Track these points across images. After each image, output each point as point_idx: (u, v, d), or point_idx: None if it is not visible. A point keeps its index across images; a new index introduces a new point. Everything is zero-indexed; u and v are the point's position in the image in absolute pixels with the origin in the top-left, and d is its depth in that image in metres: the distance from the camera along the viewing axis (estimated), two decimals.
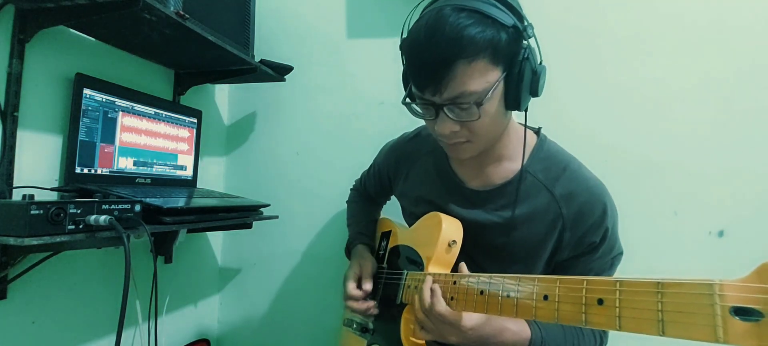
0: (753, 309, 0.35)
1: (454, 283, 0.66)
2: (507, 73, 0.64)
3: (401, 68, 0.73)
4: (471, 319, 0.65)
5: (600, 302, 0.46)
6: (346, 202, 1.14)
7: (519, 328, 0.68)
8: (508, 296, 0.57)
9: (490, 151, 0.75)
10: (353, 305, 0.86)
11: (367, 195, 1.10)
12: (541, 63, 0.66)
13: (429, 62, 0.61)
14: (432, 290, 0.67)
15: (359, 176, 1.12)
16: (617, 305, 0.44)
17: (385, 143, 1.02)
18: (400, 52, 0.70)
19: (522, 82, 0.64)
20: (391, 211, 1.06)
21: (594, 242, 0.71)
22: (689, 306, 0.39)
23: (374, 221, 1.07)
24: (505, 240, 0.75)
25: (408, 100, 0.70)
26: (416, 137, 0.94)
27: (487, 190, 0.78)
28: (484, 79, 0.62)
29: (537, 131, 0.80)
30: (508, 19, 0.61)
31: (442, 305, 0.65)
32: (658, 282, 0.42)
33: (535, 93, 0.67)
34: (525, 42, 0.64)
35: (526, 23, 0.64)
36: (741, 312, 0.36)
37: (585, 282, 0.48)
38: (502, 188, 0.76)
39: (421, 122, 0.93)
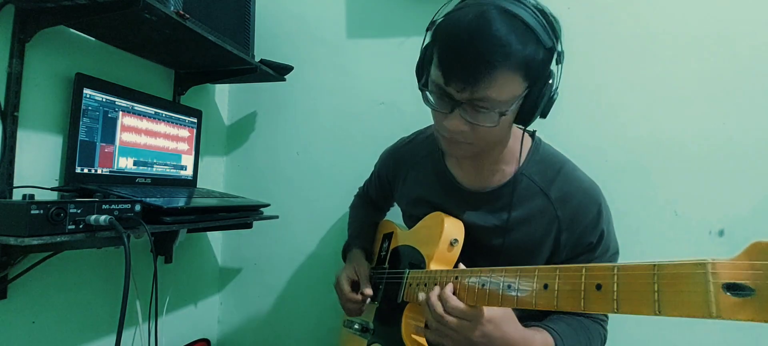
0: (744, 285, 0.37)
1: (456, 278, 0.66)
2: (529, 91, 0.63)
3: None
4: (489, 310, 0.62)
5: (598, 287, 0.47)
6: (349, 206, 1.14)
7: (543, 339, 0.68)
8: (508, 288, 0.57)
9: (488, 153, 0.75)
10: (353, 308, 0.87)
11: (369, 200, 1.10)
12: (556, 89, 0.65)
13: (469, 58, 0.59)
14: (442, 294, 0.64)
15: (364, 182, 1.13)
16: (615, 289, 0.46)
17: (384, 147, 1.02)
18: (427, 33, 0.67)
19: (539, 103, 0.64)
20: (396, 216, 1.06)
21: (591, 242, 0.72)
22: (684, 285, 0.40)
23: (374, 225, 1.07)
24: (502, 242, 0.76)
25: (423, 87, 0.68)
26: (414, 141, 0.94)
27: (484, 192, 0.78)
28: (511, 91, 0.61)
29: (532, 134, 0.80)
30: (548, 40, 0.61)
31: (454, 301, 0.62)
32: (654, 264, 0.43)
33: (544, 115, 0.67)
34: (554, 67, 0.64)
35: (561, 49, 0.64)
36: (733, 288, 0.38)
37: (584, 269, 0.49)
38: (499, 191, 0.77)
39: (421, 126, 0.95)
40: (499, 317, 0.63)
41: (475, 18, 0.59)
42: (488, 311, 0.62)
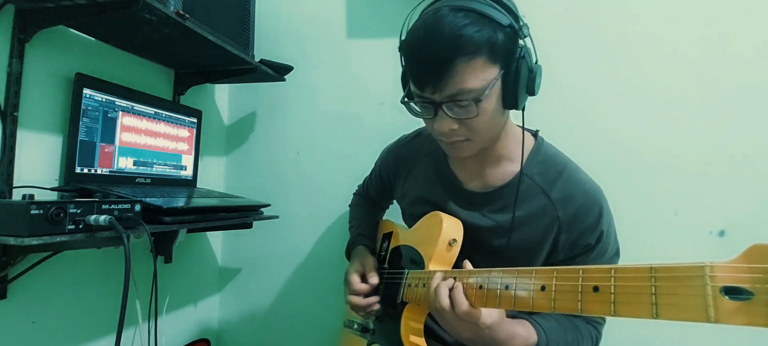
0: (742, 288, 0.36)
1: (455, 279, 0.66)
2: (504, 72, 0.65)
3: (400, 69, 0.73)
4: (489, 316, 0.62)
5: (595, 289, 0.47)
6: (349, 205, 1.14)
7: (527, 333, 0.68)
8: (506, 289, 0.57)
9: (489, 152, 0.76)
10: (357, 301, 0.85)
11: (369, 198, 1.10)
12: (536, 62, 0.68)
13: (428, 60, 0.62)
14: (453, 292, 0.64)
15: (362, 181, 1.12)
16: (612, 291, 0.45)
17: (384, 146, 1.02)
18: (399, 53, 0.71)
19: (519, 80, 0.65)
20: (395, 214, 1.06)
21: (589, 243, 0.72)
22: (681, 288, 0.40)
23: (376, 223, 1.07)
24: (502, 242, 0.75)
25: (406, 99, 0.71)
26: (415, 139, 0.94)
27: (485, 192, 0.78)
28: (482, 76, 0.63)
29: (535, 134, 0.80)
30: (504, 18, 0.63)
31: (464, 305, 0.62)
32: (652, 267, 0.43)
33: (531, 92, 0.68)
34: (521, 41, 0.66)
35: (521, 23, 0.65)
36: (731, 292, 0.37)
37: (581, 271, 0.49)
38: (501, 190, 0.77)
39: (420, 123, 0.94)
40: (496, 322, 0.63)
41: (427, 22, 0.63)
42: (488, 318, 0.62)
